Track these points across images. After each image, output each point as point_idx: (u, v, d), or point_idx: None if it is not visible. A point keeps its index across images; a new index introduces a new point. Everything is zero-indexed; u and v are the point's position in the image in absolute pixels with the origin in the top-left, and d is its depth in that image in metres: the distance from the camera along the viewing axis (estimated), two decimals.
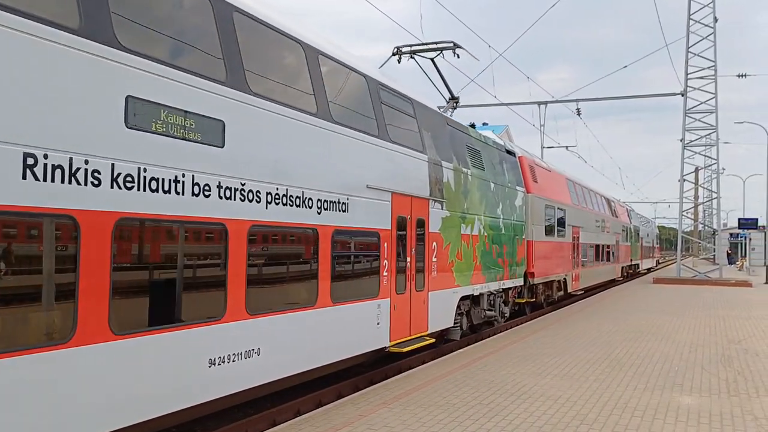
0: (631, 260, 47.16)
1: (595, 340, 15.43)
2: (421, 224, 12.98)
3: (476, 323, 16.78)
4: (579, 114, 42.39)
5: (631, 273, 48.02)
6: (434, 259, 13.52)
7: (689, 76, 39.65)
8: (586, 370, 11.88)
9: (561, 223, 24.67)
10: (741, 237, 64.48)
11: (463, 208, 15.08)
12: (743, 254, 62.57)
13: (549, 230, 22.88)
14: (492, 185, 17.20)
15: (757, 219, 49.75)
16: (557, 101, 41.07)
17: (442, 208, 13.93)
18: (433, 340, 13.40)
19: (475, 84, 31.68)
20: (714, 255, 55.76)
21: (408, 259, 12.50)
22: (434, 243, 13.54)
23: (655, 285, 36.77)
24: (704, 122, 39.92)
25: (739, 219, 50.20)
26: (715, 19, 39.21)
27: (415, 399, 9.60)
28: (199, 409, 7.58)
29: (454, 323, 14.91)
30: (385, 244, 11.64)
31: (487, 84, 56.06)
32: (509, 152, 20.20)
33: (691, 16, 39.70)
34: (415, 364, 13.97)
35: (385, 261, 11.59)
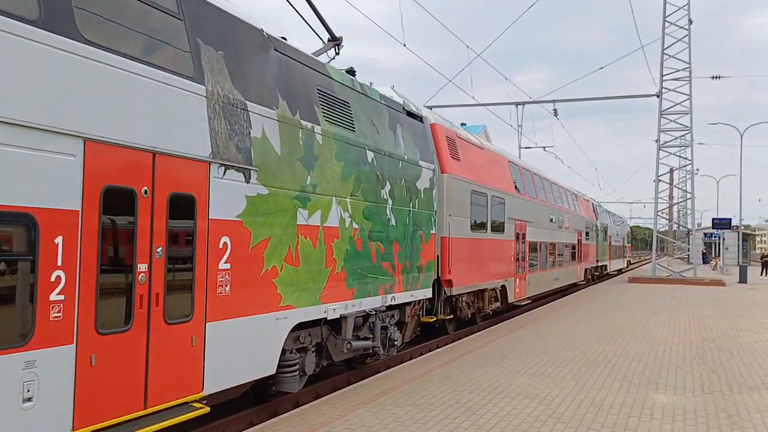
0: (598, 261, 42.74)
1: (571, 338, 15.53)
2: (186, 205, 7.42)
3: (339, 360, 11.35)
4: (556, 115, 42.77)
5: (597, 275, 44.10)
6: (224, 266, 8.00)
7: (664, 78, 40.08)
8: (563, 368, 11.96)
9: (498, 215, 20.03)
10: (715, 237, 65.27)
11: (302, 183, 9.55)
12: (717, 254, 63.25)
13: (478, 225, 18.06)
14: (371, 155, 11.62)
15: (730, 219, 50.42)
16: (535, 102, 41.35)
17: (247, 181, 8.38)
18: (208, 409, 7.61)
19: (453, 84, 31.85)
20: (688, 254, 56.31)
21: (141, 266, 6.83)
22: (224, 239, 8.03)
23: (631, 284, 37.10)
24: (679, 123, 40.35)
25: (713, 219, 50.83)
26: (690, 22, 39.64)
27: (393, 398, 9.61)
28: None
29: (284, 368, 9.57)
30: (57, 240, 5.92)
31: (466, 85, 56.18)
32: (412, 115, 14.19)
33: (667, 18, 40.14)
34: (393, 364, 13.99)
35: (57, 273, 5.88)
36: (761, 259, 48.88)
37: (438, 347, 16.18)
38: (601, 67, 46.34)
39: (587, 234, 37.99)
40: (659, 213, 43.54)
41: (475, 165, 18.39)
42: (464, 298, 17.23)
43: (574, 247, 33.59)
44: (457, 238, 16.27)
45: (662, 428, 8.16)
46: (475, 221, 17.77)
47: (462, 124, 27.70)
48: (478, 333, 17.02)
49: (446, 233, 15.59)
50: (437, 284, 15.31)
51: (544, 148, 50.42)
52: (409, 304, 13.47)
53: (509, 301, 21.22)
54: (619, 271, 56.55)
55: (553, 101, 41.78)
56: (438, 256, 15.18)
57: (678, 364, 12.49)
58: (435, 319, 15.65)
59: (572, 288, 35.06)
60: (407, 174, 13.05)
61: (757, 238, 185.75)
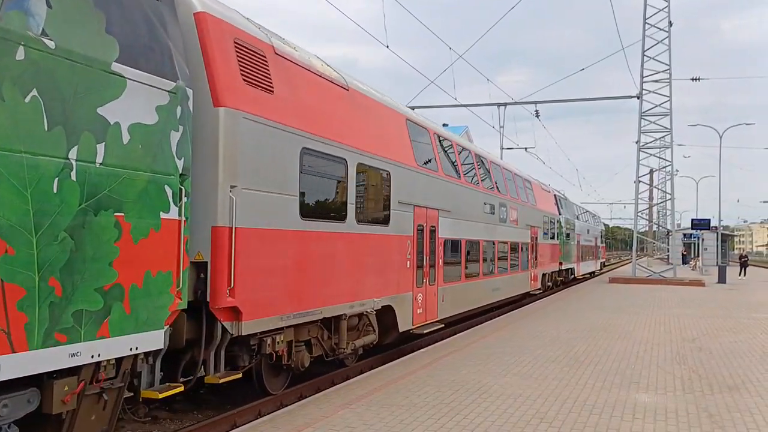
0: (561, 264, 35.83)
1: (554, 338, 15.62)
2: None
3: None
4: (537, 116, 42.90)
5: (562, 281, 37.39)
6: None
7: (645, 80, 40.40)
8: (546, 368, 12.02)
9: (375, 196, 13.13)
10: (694, 237, 65.79)
11: None
12: (696, 254, 63.81)
13: (322, 209, 10.97)
14: None
15: (709, 220, 50.79)
16: (516, 103, 41.52)
17: None
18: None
19: (435, 86, 31.73)
20: (668, 255, 56.75)
21: None
22: None
23: (611, 284, 37.35)
24: (659, 125, 40.68)
25: (692, 220, 51.18)
26: (670, 24, 39.98)
27: (377, 399, 9.62)
28: None
29: None
30: None
31: (448, 86, 56.29)
32: None
33: (647, 21, 40.43)
34: (376, 365, 14.01)
35: None
36: (739, 259, 49.31)
37: None
38: (582, 69, 46.53)
39: (547, 232, 32.24)
40: (639, 214, 43.84)
41: (320, 108, 11.05)
42: (280, 338, 9.95)
43: (526, 248, 26.98)
44: (258, 231, 9.12)
45: (644, 428, 8.23)
46: (315, 203, 10.74)
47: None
48: (461, 333, 17.07)
49: (224, 220, 8.46)
50: (207, 316, 8.48)
51: (525, 149, 50.65)
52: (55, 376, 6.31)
53: (403, 329, 14.31)
54: (592, 274, 50.77)
55: (535, 102, 42.02)
56: (201, 264, 8.38)
57: (659, 364, 12.59)
58: (181, 389, 8.26)
59: (525, 299, 28.23)
60: (86, 91, 6.43)
61: (736, 239, 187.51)
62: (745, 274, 47.65)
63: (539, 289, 29.90)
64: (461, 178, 18.90)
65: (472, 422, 8.42)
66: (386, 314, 13.71)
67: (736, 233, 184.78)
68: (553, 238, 33.52)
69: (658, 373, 11.72)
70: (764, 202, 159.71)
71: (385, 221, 13.46)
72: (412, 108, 21.26)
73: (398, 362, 12.78)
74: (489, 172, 22.34)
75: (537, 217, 29.57)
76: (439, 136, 17.58)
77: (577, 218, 43.12)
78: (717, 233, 59.67)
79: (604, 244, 65.23)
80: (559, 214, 35.78)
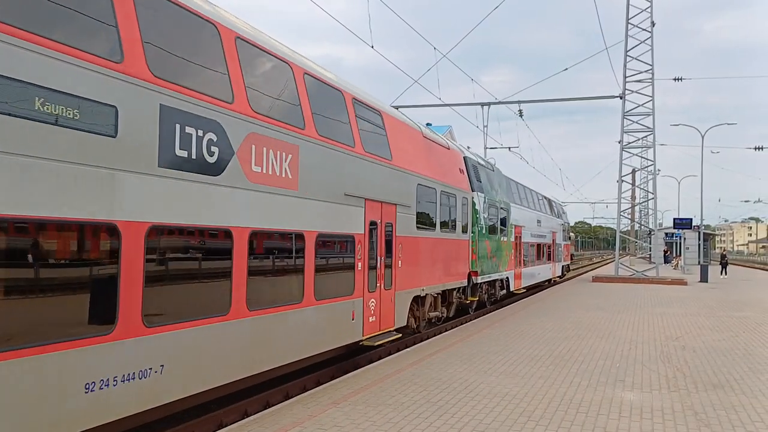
0: (476, 274, 21.64)
1: (538, 337, 15.67)
2: None
3: None
4: (521, 115, 42.99)
5: (492, 296, 24.61)
6: None
7: (627, 80, 40.60)
8: (531, 367, 12.06)
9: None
10: (676, 236, 66.27)
11: None
12: (678, 253, 64.26)
13: None
14: None
15: (691, 219, 51.09)
16: (500, 102, 41.58)
17: None
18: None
19: (419, 85, 31.87)
20: (650, 254, 57.13)
21: None
22: None
23: (594, 283, 37.53)
24: (642, 124, 40.92)
25: (674, 219, 51.48)
26: (653, 24, 40.23)
27: (364, 398, 9.61)
28: None
29: None
30: None
31: (433, 85, 56.45)
32: None
33: (630, 21, 40.65)
34: (362, 363, 14.00)
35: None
36: (721, 259, 49.70)
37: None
38: (566, 69, 46.82)
39: (458, 222, 19.89)
40: (622, 213, 44.07)
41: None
42: None
43: (351, 249, 12.76)
44: None
45: (631, 426, 8.27)
46: None
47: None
48: (446, 332, 17.08)
49: None
50: None
51: (509, 148, 50.72)
52: None
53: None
54: (549, 282, 39.34)
55: (518, 102, 42.06)
56: None
57: (643, 362, 12.66)
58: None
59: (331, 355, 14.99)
60: None
61: (717, 238, 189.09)
62: (726, 273, 48.03)
63: (392, 329, 14.74)
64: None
65: (460, 421, 8.43)
66: None
67: (717, 232, 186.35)
68: (453, 230, 19.43)
69: (643, 371, 11.78)
70: (745, 201, 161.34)
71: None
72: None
73: (383, 361, 12.77)
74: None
75: (404, 192, 15.35)
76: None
77: (521, 203, 30.17)
78: (699, 232, 60.11)
79: (569, 242, 49.86)
80: (473, 191, 21.69)
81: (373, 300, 13.56)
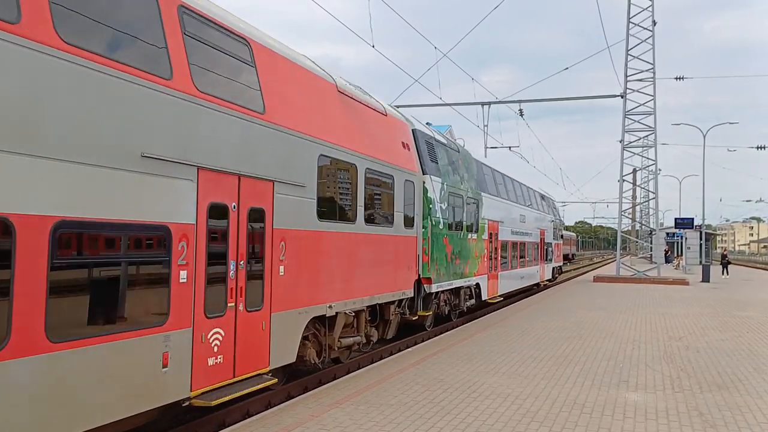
0: (429, 281, 16.97)
1: (541, 337, 15.60)
2: None
3: None
4: (522, 115, 42.92)
5: (455, 307, 20.06)
6: None
7: (629, 79, 40.52)
8: (534, 367, 11.99)
9: None
10: (677, 236, 66.16)
11: None
12: (679, 253, 64.18)
13: None
14: None
15: (692, 219, 51.07)
16: (500, 102, 41.50)
17: None
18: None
19: (420, 84, 31.77)
20: (651, 254, 57.04)
21: None
22: None
23: (596, 283, 37.46)
24: (643, 124, 40.83)
25: (675, 219, 51.46)
26: (654, 23, 40.16)
27: (366, 398, 9.55)
28: None
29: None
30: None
31: (432, 84, 56.28)
32: None
33: (631, 20, 40.58)
34: (364, 363, 13.94)
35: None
36: (721, 258, 49.58)
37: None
38: (567, 68, 46.80)
39: (374, 214, 13.92)
40: (623, 213, 43.99)
41: None
42: None
43: (162, 251, 7.94)
44: None
45: (636, 427, 8.20)
46: None
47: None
48: (448, 332, 17.01)
49: None
50: None
51: (509, 148, 50.67)
52: None
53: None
54: (537, 286, 34.99)
55: (519, 101, 41.98)
56: None
57: (647, 362, 12.59)
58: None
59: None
60: None
61: (718, 238, 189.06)
62: (727, 273, 47.94)
63: (257, 377, 9.87)
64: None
65: (463, 422, 8.36)
66: None
67: (718, 232, 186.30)
68: (387, 222, 14.44)
69: (647, 371, 11.72)
70: (747, 201, 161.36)
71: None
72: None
73: (387, 361, 12.72)
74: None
75: (268, 156, 10.08)
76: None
77: (498, 194, 25.48)
78: (700, 232, 60.04)
79: (560, 241, 44.00)
80: (424, 173, 17.12)
81: (218, 330, 8.61)
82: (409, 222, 15.62)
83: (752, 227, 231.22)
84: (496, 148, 48.48)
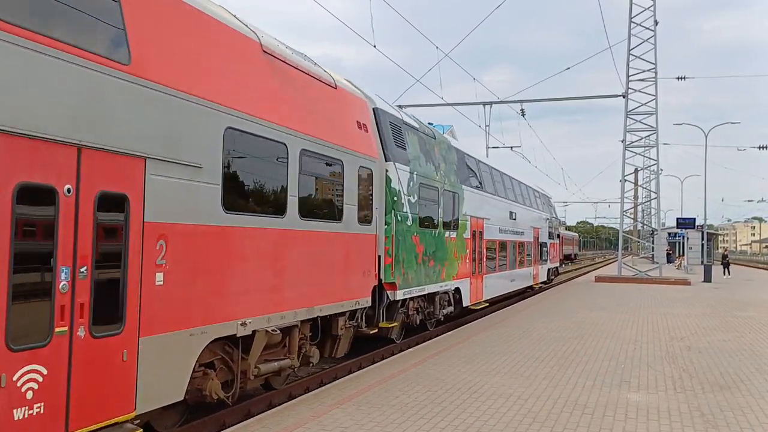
0: (394, 286, 14.42)
1: (542, 338, 15.58)
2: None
3: None
4: (523, 115, 42.91)
5: (430, 315, 17.60)
6: None
7: (630, 78, 40.53)
8: (536, 368, 11.97)
9: None
10: (679, 236, 66.08)
11: None
12: (681, 253, 64.12)
13: None
14: None
15: (694, 219, 50.96)
16: (502, 102, 41.49)
17: None
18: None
19: (421, 84, 31.56)
20: (653, 253, 56.94)
21: None
22: None
23: (597, 283, 37.42)
24: (645, 123, 40.83)
25: (677, 219, 51.33)
26: (656, 22, 40.15)
27: (367, 399, 9.53)
28: None
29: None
30: None
31: (434, 84, 56.29)
32: None
33: (633, 19, 40.57)
34: (365, 364, 13.92)
35: None
36: (722, 259, 49.49)
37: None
38: (568, 68, 46.69)
39: (316, 207, 11.24)
40: (624, 213, 43.95)
41: None
42: None
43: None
44: None
45: (638, 428, 8.18)
46: None
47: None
48: (449, 332, 16.99)
49: None
50: None
51: (511, 147, 50.66)
52: None
53: None
54: (531, 288, 32.93)
55: (520, 101, 41.99)
56: None
57: (649, 363, 12.57)
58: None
59: None
60: None
61: (720, 238, 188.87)
62: (729, 273, 47.88)
63: (112, 427, 7.12)
64: None
65: (464, 422, 8.34)
66: None
67: (720, 232, 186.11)
68: (334, 217, 11.86)
69: (649, 372, 11.69)
70: (749, 201, 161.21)
71: None
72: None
73: (388, 361, 12.69)
74: None
75: (133, 122, 7.32)
76: None
77: (484, 188, 23.08)
78: (702, 232, 59.98)
79: (556, 241, 41.58)
80: (387, 159, 14.64)
81: (35, 367, 6.05)
82: (365, 217, 13.01)
83: (754, 227, 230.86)
84: (497, 147, 48.50)
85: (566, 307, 23.13)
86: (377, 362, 13.19)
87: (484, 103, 42.57)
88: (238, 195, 8.93)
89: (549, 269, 37.22)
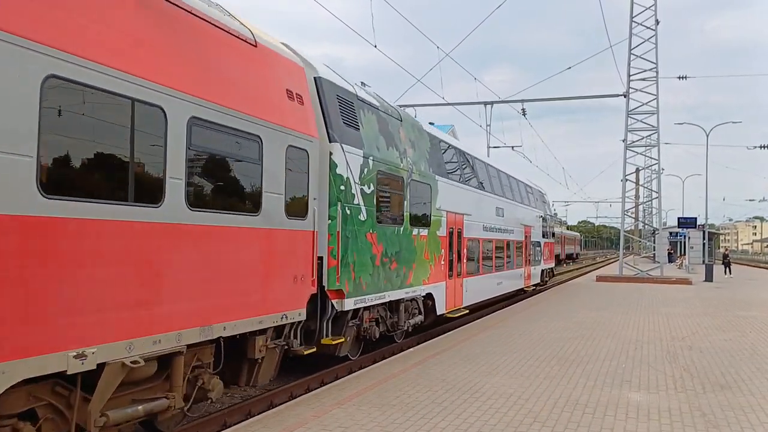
0: (346, 291, 12.06)
1: (543, 338, 15.57)
2: None
3: None
4: (524, 114, 42.89)
5: (395, 326, 14.94)
6: None
7: (632, 78, 40.50)
8: (536, 367, 11.96)
9: None
10: (680, 236, 66.03)
11: None
12: (682, 252, 64.06)
13: None
14: None
15: (696, 218, 50.92)
16: (503, 101, 41.49)
17: None
18: None
19: (422, 84, 31.63)
20: (654, 253, 56.89)
21: None
22: None
23: (598, 283, 37.40)
24: (646, 123, 40.80)
25: (678, 218, 51.32)
26: (657, 22, 40.11)
27: (368, 398, 9.53)
28: None
29: None
30: None
31: (434, 83, 56.23)
32: None
33: (634, 19, 40.53)
34: (366, 364, 13.92)
35: None
36: (723, 258, 49.42)
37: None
38: (569, 67, 46.69)
39: (216, 195, 8.51)
40: (626, 212, 43.92)
41: None
42: None
43: None
44: None
45: (638, 427, 8.18)
46: None
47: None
48: (450, 332, 16.98)
49: None
50: None
51: (512, 147, 50.66)
52: None
53: None
54: (523, 291, 30.29)
55: (521, 101, 41.98)
56: None
57: (650, 363, 12.56)
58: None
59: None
60: None
61: (721, 237, 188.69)
62: (731, 273, 47.84)
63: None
64: None
65: (465, 422, 8.34)
66: None
67: (721, 232, 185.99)
68: (250, 209, 9.13)
69: (650, 371, 11.69)
70: (750, 200, 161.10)
71: None
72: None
73: (388, 361, 12.69)
74: None
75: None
76: None
77: (464, 180, 20.49)
78: (703, 231, 59.93)
79: (551, 240, 38.38)
80: (331, 140, 11.92)
81: None
82: (296, 209, 10.29)
83: (755, 226, 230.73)
84: (498, 147, 48.49)
85: (567, 307, 23.12)
86: (378, 362, 13.18)
87: (485, 103, 42.59)
88: (69, 174, 6.29)
89: (543, 270, 34.73)
